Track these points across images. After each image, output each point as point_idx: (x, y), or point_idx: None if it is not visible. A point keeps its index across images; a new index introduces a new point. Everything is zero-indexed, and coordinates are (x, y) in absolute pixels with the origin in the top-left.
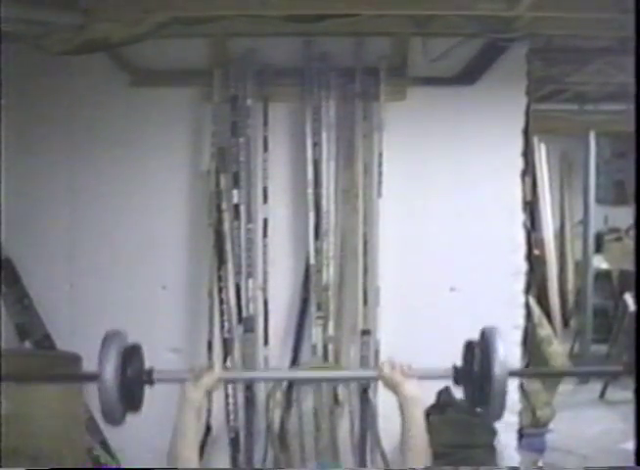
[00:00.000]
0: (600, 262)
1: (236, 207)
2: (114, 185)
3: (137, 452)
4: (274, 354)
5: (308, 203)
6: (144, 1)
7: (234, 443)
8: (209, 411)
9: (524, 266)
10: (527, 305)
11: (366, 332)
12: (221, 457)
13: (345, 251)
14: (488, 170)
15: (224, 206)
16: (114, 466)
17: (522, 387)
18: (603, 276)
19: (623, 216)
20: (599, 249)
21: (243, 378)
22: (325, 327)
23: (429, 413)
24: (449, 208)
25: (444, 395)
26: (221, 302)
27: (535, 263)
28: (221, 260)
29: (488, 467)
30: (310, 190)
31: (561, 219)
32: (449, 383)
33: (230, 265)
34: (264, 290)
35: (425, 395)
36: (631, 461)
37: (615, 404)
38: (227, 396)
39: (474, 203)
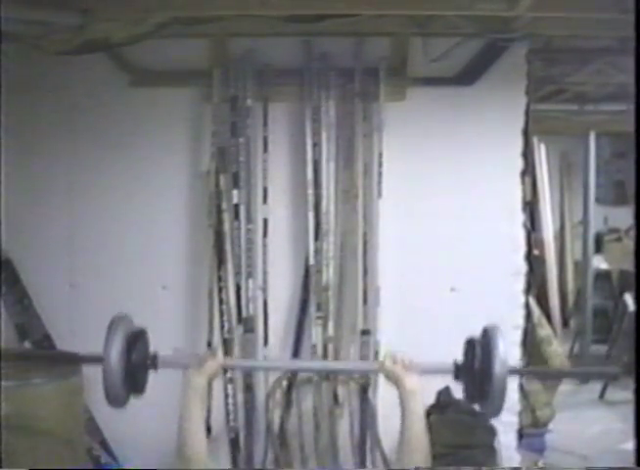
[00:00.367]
0: (600, 263)
1: (236, 207)
2: (114, 185)
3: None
4: (274, 355)
5: (308, 203)
6: (144, 1)
7: (234, 443)
8: (209, 411)
9: (523, 267)
10: (527, 306)
11: (366, 332)
12: (221, 457)
13: (345, 251)
14: (488, 171)
15: (224, 206)
16: (113, 466)
17: (521, 387)
18: (603, 276)
19: (623, 217)
20: (599, 249)
21: (244, 366)
22: (325, 327)
23: (429, 413)
24: (449, 208)
25: (444, 395)
26: (221, 302)
27: (535, 264)
28: (221, 261)
29: (489, 467)
30: (310, 190)
31: (561, 220)
32: (450, 379)
33: (230, 266)
34: (264, 290)
35: (425, 395)
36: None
37: (614, 405)
38: (227, 396)
39: (474, 203)
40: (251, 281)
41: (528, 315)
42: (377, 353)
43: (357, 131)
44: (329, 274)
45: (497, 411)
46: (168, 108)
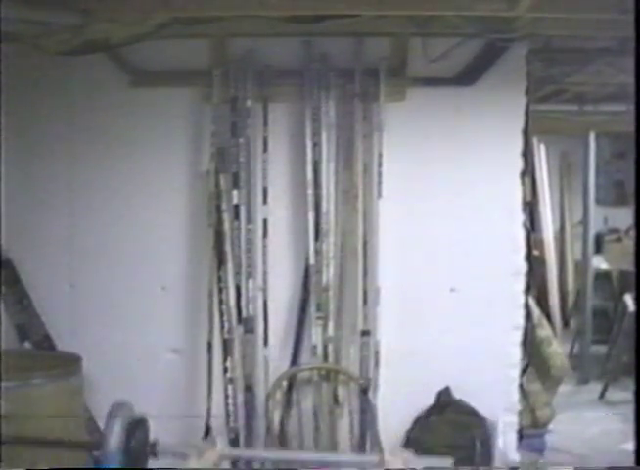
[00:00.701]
0: (600, 263)
1: (236, 207)
2: (114, 185)
3: None
4: (274, 355)
5: (308, 203)
6: (144, 1)
7: (234, 443)
8: (209, 412)
9: (523, 267)
10: (527, 306)
11: (366, 332)
12: None
13: (345, 251)
14: (488, 171)
15: (224, 206)
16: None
17: (521, 387)
18: (602, 277)
19: (623, 217)
20: (599, 249)
21: (245, 456)
22: (325, 327)
23: (429, 413)
24: (449, 208)
25: (444, 395)
26: (221, 302)
27: (535, 264)
28: (221, 261)
29: (489, 467)
30: (310, 190)
31: (560, 220)
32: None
33: (230, 266)
34: (264, 290)
35: (425, 395)
36: (631, 462)
37: (614, 405)
38: (227, 396)
39: (473, 203)
40: (250, 281)
41: (528, 315)
42: (377, 354)
43: (357, 131)
44: (329, 274)
45: None
46: (168, 108)
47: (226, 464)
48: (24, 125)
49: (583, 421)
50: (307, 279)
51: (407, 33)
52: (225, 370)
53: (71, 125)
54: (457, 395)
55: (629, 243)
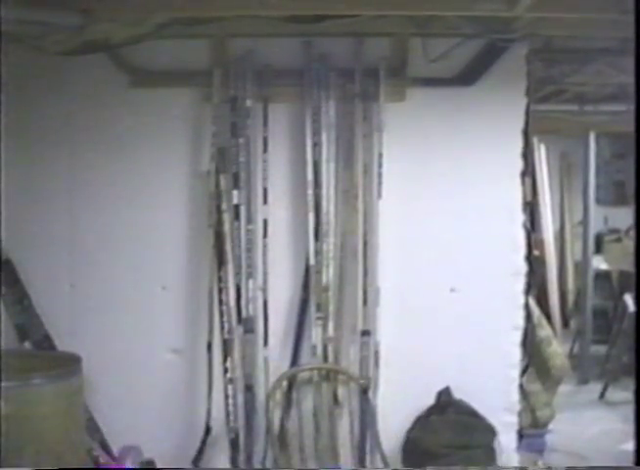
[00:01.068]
0: (600, 263)
1: (236, 207)
2: (114, 185)
3: None
4: (274, 355)
5: (308, 203)
6: (144, 1)
7: (234, 443)
8: (209, 412)
9: (523, 267)
10: (527, 306)
11: (366, 333)
12: (221, 458)
13: (345, 251)
14: (488, 171)
15: (224, 206)
16: (113, 466)
17: (521, 387)
18: (602, 277)
19: (623, 217)
20: (599, 249)
21: None
22: (325, 328)
23: (429, 413)
24: (449, 208)
25: (444, 395)
26: (221, 302)
27: (535, 264)
28: (221, 261)
29: (489, 467)
30: (310, 191)
31: (561, 220)
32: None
33: (230, 266)
34: (264, 290)
35: (425, 395)
36: (631, 462)
37: (614, 405)
38: (227, 396)
39: (473, 203)
40: (251, 281)
41: (528, 316)
42: (377, 354)
43: (357, 132)
44: (329, 275)
45: None
46: (168, 108)
47: (226, 464)
48: (24, 125)
49: (583, 421)
50: (307, 279)
51: (407, 33)
52: (225, 370)
53: (71, 125)
54: (457, 395)
55: (629, 243)
